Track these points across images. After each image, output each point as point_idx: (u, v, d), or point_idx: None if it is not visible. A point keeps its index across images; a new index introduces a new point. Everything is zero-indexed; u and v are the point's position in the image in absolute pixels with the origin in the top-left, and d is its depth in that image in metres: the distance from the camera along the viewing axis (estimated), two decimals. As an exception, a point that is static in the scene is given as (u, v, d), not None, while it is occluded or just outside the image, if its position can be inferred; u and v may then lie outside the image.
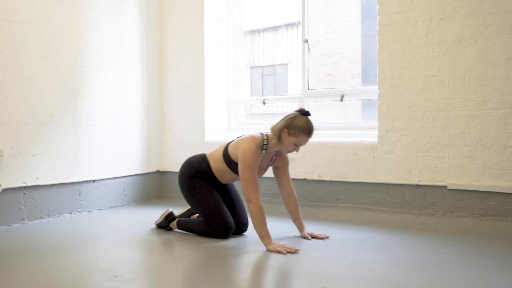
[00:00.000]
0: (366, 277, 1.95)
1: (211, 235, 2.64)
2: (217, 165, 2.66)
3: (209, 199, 2.63)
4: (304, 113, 2.48)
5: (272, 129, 2.53)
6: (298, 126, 2.43)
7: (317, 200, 3.41)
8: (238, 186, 3.21)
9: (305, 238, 2.63)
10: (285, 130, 2.45)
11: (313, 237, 2.64)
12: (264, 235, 2.40)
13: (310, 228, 2.77)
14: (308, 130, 2.45)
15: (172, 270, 2.08)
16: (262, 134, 2.57)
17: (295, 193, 2.74)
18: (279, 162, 2.70)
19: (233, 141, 2.67)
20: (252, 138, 2.52)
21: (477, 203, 2.89)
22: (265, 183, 3.61)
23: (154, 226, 2.97)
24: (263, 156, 2.55)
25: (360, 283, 1.87)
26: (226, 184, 2.83)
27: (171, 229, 2.87)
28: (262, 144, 2.52)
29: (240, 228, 2.75)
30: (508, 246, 2.48)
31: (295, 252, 2.32)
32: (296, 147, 2.51)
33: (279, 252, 2.31)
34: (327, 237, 2.64)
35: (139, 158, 3.95)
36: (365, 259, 2.22)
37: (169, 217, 2.86)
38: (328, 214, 3.32)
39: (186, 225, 2.79)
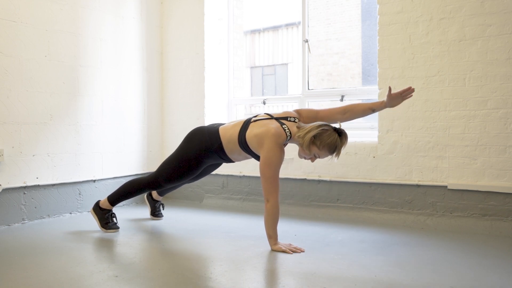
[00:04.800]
0: (366, 277, 1.95)
1: (142, 181, 2.74)
2: (230, 146, 2.53)
3: (183, 165, 2.62)
4: (338, 131, 2.37)
5: (302, 131, 2.39)
6: (325, 141, 2.33)
7: (317, 200, 3.41)
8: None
9: (392, 94, 2.52)
10: (312, 138, 2.35)
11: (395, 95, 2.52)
12: (272, 235, 2.39)
13: (310, 229, 2.77)
14: (333, 149, 2.35)
15: (172, 270, 2.08)
16: (284, 129, 2.41)
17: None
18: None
19: (249, 122, 2.53)
20: (277, 137, 2.37)
21: (477, 203, 2.89)
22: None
23: (154, 225, 2.97)
24: None
25: (360, 283, 1.87)
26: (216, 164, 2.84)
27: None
28: (284, 141, 2.41)
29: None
30: (508, 246, 2.48)
31: (300, 252, 2.32)
32: (313, 157, 2.43)
33: (284, 252, 2.31)
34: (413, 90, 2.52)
35: (139, 158, 3.95)
36: (365, 259, 2.22)
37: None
38: (328, 214, 3.32)
39: (127, 186, 2.81)
